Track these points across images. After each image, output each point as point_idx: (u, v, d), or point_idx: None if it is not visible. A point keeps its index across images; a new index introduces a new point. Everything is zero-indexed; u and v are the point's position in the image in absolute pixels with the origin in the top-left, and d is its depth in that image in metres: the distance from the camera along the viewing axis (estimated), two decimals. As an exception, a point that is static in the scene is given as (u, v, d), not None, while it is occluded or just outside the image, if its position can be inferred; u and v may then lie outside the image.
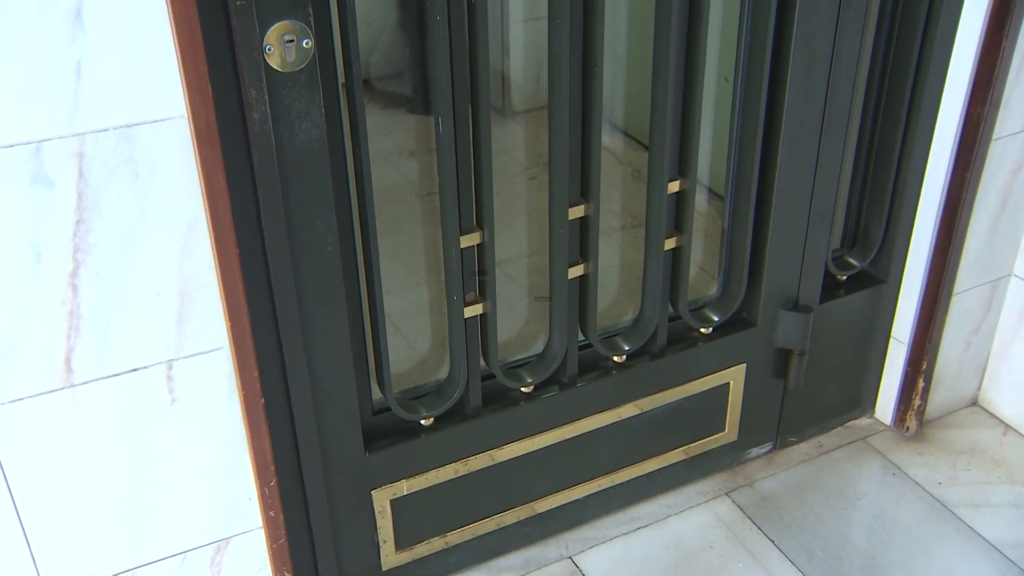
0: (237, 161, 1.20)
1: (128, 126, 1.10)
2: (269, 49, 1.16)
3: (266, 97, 1.18)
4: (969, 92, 1.65)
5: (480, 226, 1.45)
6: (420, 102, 3.31)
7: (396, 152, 3.10)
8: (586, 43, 1.39)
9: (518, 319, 2.13)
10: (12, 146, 1.05)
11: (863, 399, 2.02)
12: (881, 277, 1.87)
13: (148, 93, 1.10)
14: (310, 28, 1.17)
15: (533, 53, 3.18)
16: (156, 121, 1.11)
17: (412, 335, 2.12)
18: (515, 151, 3.05)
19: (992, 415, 2.06)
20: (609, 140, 2.81)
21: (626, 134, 2.93)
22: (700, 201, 2.41)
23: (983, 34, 1.60)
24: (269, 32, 1.15)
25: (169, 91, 1.11)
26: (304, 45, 1.18)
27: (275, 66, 1.17)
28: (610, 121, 2.92)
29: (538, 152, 3.04)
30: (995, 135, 1.69)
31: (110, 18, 1.04)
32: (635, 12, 2.63)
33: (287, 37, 1.16)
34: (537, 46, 3.16)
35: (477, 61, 1.33)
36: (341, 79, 1.27)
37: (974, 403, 2.09)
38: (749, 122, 1.57)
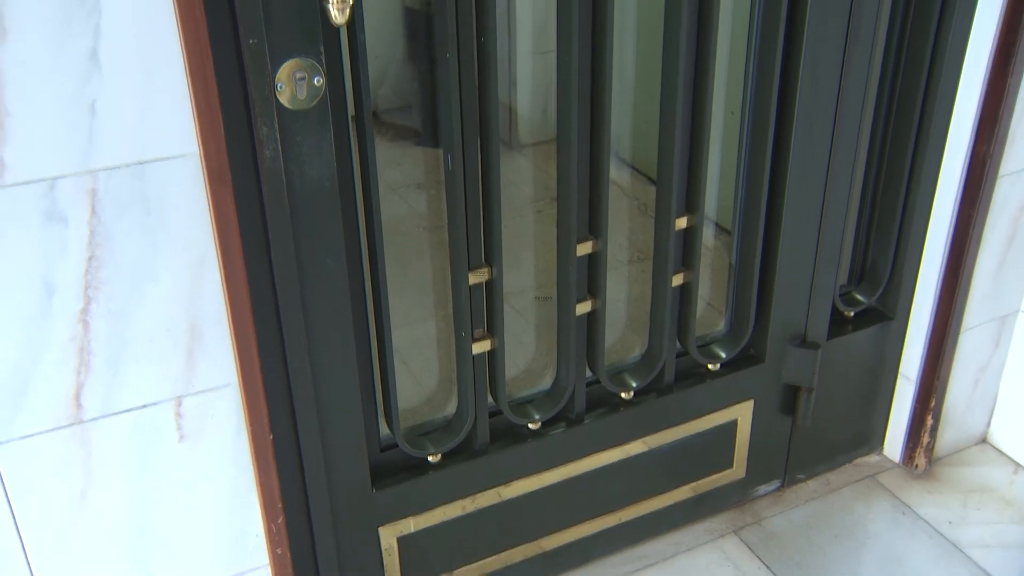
0: (248, 197, 1.21)
1: (140, 163, 1.11)
2: (280, 87, 1.17)
3: (277, 134, 1.19)
4: (975, 130, 1.66)
5: (489, 263, 1.45)
6: (428, 135, 3.34)
7: (404, 185, 3.12)
8: (594, 76, 1.40)
9: (525, 353, 2.13)
10: (27, 183, 1.06)
11: (872, 436, 2.02)
12: (889, 314, 1.87)
13: (161, 131, 1.10)
14: (321, 66, 1.18)
15: (541, 86, 3.21)
16: (168, 158, 1.12)
17: (420, 369, 2.12)
18: (522, 184, 3.07)
19: (1002, 453, 2.05)
20: (616, 174, 2.83)
21: (633, 168, 2.94)
22: (707, 236, 2.42)
23: (988, 72, 1.61)
24: (281, 70, 1.16)
25: (182, 129, 1.11)
26: (315, 83, 1.19)
27: (286, 104, 1.18)
28: (617, 155, 2.94)
29: (545, 185, 3.06)
30: (1001, 172, 1.69)
31: (125, 58, 1.05)
32: (643, 45, 2.66)
33: (298, 75, 1.17)
34: (545, 79, 3.19)
35: (487, 97, 1.34)
36: (351, 111, 1.28)
37: (984, 441, 2.08)
38: (756, 157, 1.58)
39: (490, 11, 1.28)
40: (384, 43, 3.45)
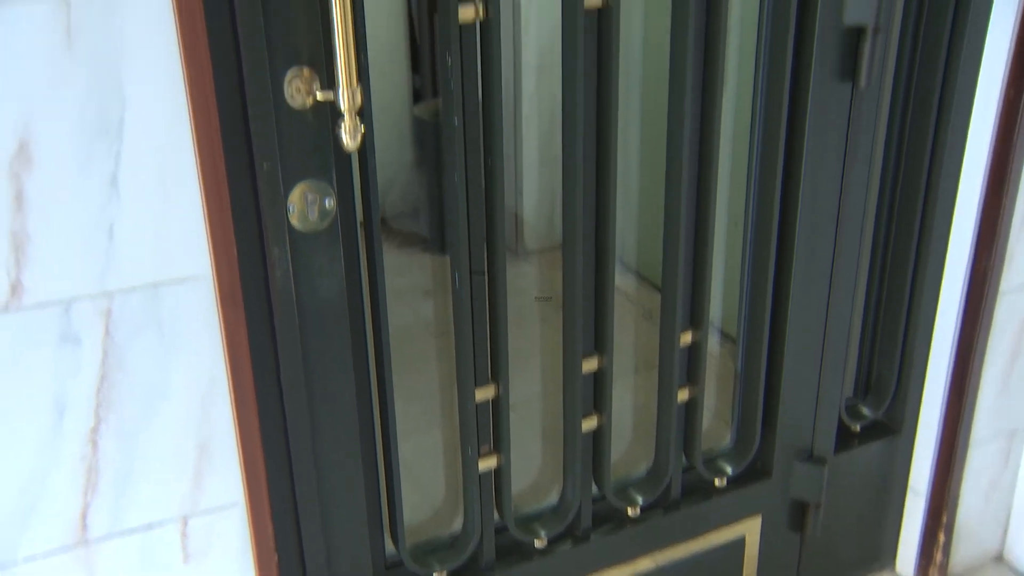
0: (258, 317, 1.23)
1: (155, 285, 1.13)
2: (292, 209, 1.20)
3: (288, 255, 1.21)
4: (974, 245, 1.68)
5: (495, 379, 1.46)
6: (436, 242, 3.38)
7: (411, 292, 3.16)
8: (599, 183, 1.43)
9: (532, 463, 2.13)
10: (44, 305, 1.08)
11: (883, 552, 1.99)
12: (895, 428, 1.86)
13: (175, 253, 1.13)
14: (332, 188, 1.21)
15: (547, 194, 3.27)
16: (182, 280, 1.14)
17: (426, 480, 2.11)
18: (528, 291, 3.10)
19: (1018, 571, 2.02)
20: (621, 280, 2.86)
21: (638, 274, 2.98)
22: (713, 343, 2.44)
23: (984, 190, 1.64)
24: (293, 192, 1.19)
25: (196, 251, 1.14)
26: (326, 205, 1.22)
27: (297, 225, 1.21)
28: (622, 260, 2.98)
29: (552, 293, 3.09)
30: (1002, 288, 1.71)
31: (143, 183, 1.08)
32: (647, 153, 2.72)
33: (310, 197, 1.21)
34: (551, 186, 3.25)
35: (493, 213, 1.37)
36: (359, 218, 1.30)
37: (999, 557, 2.05)
38: (759, 268, 1.60)
39: (496, 133, 1.32)
40: (393, 150, 3.53)
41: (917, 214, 1.68)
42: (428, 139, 3.49)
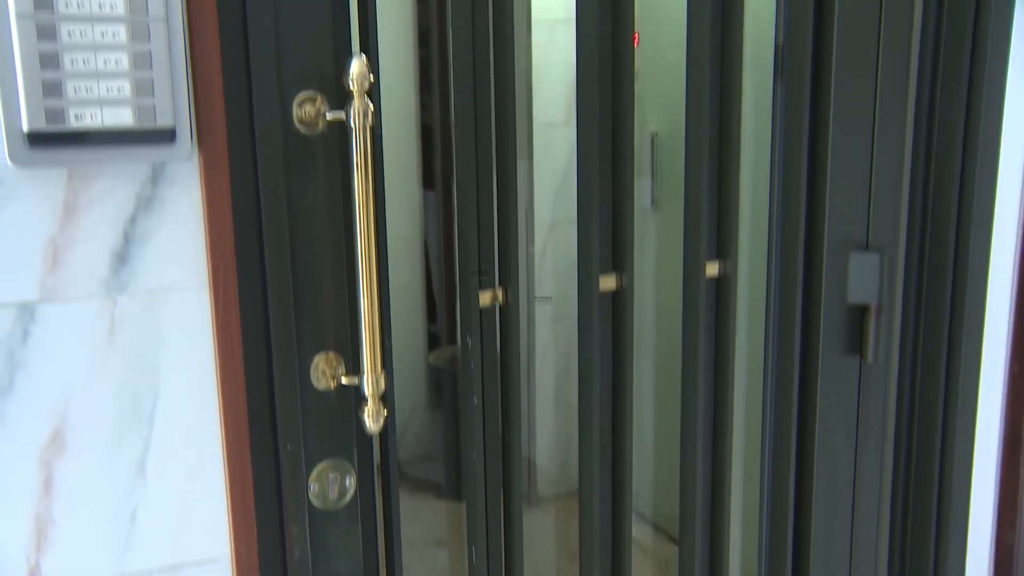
0: (274, 599, 1.21)
1: (173, 568, 1.13)
2: (313, 488, 1.21)
3: (307, 533, 1.22)
4: (995, 521, 1.67)
5: (513, 654, 1.42)
6: (449, 487, 3.35)
7: (424, 541, 3.10)
8: (616, 434, 1.44)
9: None
10: (59, 592, 1.08)
11: None
12: None
13: (196, 535, 1.13)
14: (353, 466, 1.23)
15: (562, 438, 3.27)
16: (201, 563, 1.14)
17: None
18: (543, 541, 3.04)
19: None
20: (637, 531, 2.81)
21: (655, 526, 2.92)
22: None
23: (1000, 464, 1.64)
24: (314, 471, 1.21)
25: (216, 533, 1.15)
26: (346, 483, 1.23)
27: (317, 504, 1.22)
28: (638, 512, 2.93)
29: (565, 542, 3.02)
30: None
31: (169, 468, 1.11)
32: (662, 407, 2.74)
33: (331, 476, 1.22)
34: (566, 431, 3.25)
35: (510, 461, 1.38)
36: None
37: None
38: (779, 524, 1.58)
39: (514, 411, 1.35)
40: (408, 396, 3.57)
41: (933, 493, 1.68)
42: (443, 385, 3.54)
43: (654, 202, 2.56)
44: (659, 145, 2.52)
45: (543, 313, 3.16)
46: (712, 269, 1.44)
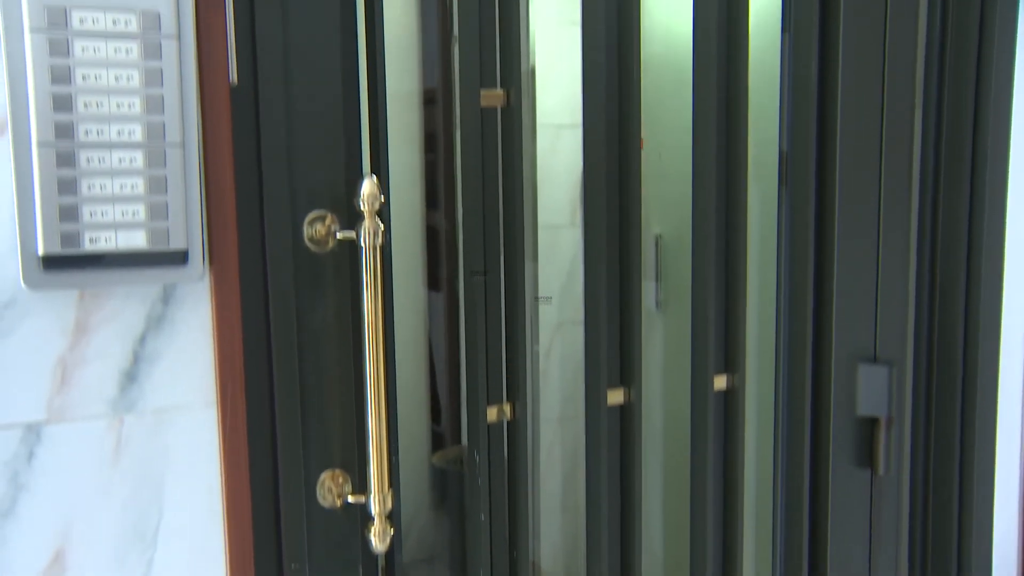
0: None
1: None
2: (317, 609, 1.19)
3: (310, 656, 1.19)
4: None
5: None
6: (453, 595, 3.28)
7: (426, 650, 3.02)
8: (624, 543, 1.41)
9: None
10: None
11: None
12: None
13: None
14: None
15: (568, 539, 3.21)
16: None
17: None
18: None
19: None
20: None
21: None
22: None
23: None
24: (319, 593, 1.19)
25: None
26: (351, 602, 1.21)
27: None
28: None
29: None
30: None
31: (171, 590, 1.09)
32: (670, 519, 2.70)
33: (336, 594, 1.20)
34: (572, 534, 3.20)
35: (518, 568, 1.35)
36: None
37: None
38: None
39: (522, 526, 1.33)
40: (411, 497, 3.52)
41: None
42: (447, 486, 3.50)
43: (659, 304, 2.56)
44: (664, 247, 2.54)
45: (547, 416, 3.14)
46: (720, 382, 1.44)
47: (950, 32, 1.52)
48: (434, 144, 3.08)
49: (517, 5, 1.28)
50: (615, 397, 1.38)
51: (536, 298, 3.06)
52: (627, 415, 1.39)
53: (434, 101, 3.11)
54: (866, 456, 1.52)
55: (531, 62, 2.83)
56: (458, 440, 3.41)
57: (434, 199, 3.13)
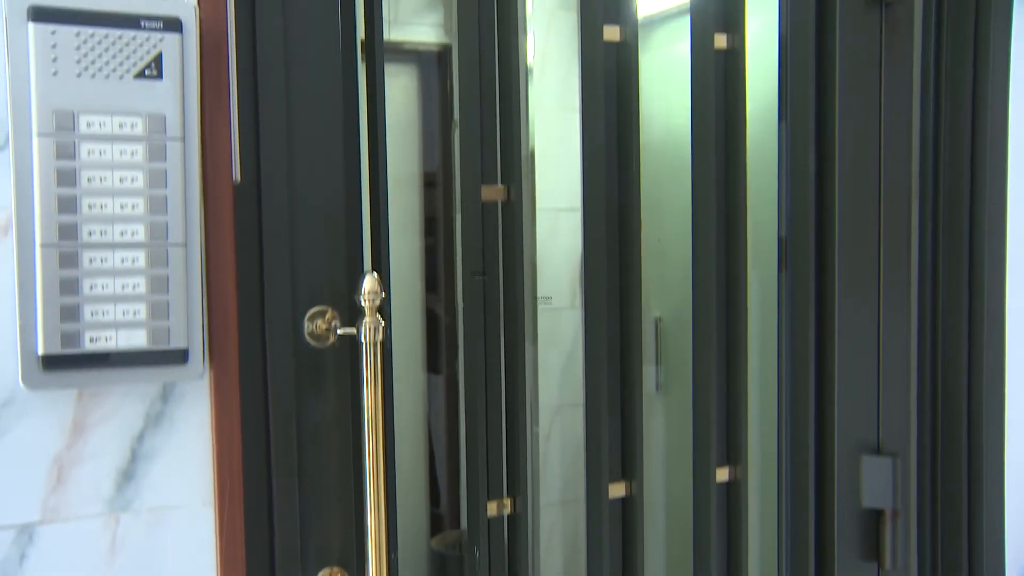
0: None
1: None
2: None
3: None
4: None
5: None
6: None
7: None
8: None
9: None
10: None
11: None
12: None
13: None
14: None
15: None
16: None
17: None
18: None
19: None
20: None
21: None
22: None
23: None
24: None
25: None
26: None
27: None
28: None
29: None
30: None
31: None
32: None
33: None
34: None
35: None
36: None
37: None
38: None
39: None
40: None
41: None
42: (446, 571, 3.43)
43: (659, 387, 2.55)
44: (664, 330, 2.54)
45: (548, 498, 3.10)
46: (723, 474, 1.42)
47: (944, 117, 1.54)
48: (434, 228, 3.10)
49: (518, 94, 1.30)
50: (617, 490, 1.36)
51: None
52: (629, 508, 1.37)
53: (434, 184, 3.14)
54: (872, 550, 1.50)
55: (531, 146, 2.87)
56: (457, 524, 3.36)
57: (434, 283, 3.13)
